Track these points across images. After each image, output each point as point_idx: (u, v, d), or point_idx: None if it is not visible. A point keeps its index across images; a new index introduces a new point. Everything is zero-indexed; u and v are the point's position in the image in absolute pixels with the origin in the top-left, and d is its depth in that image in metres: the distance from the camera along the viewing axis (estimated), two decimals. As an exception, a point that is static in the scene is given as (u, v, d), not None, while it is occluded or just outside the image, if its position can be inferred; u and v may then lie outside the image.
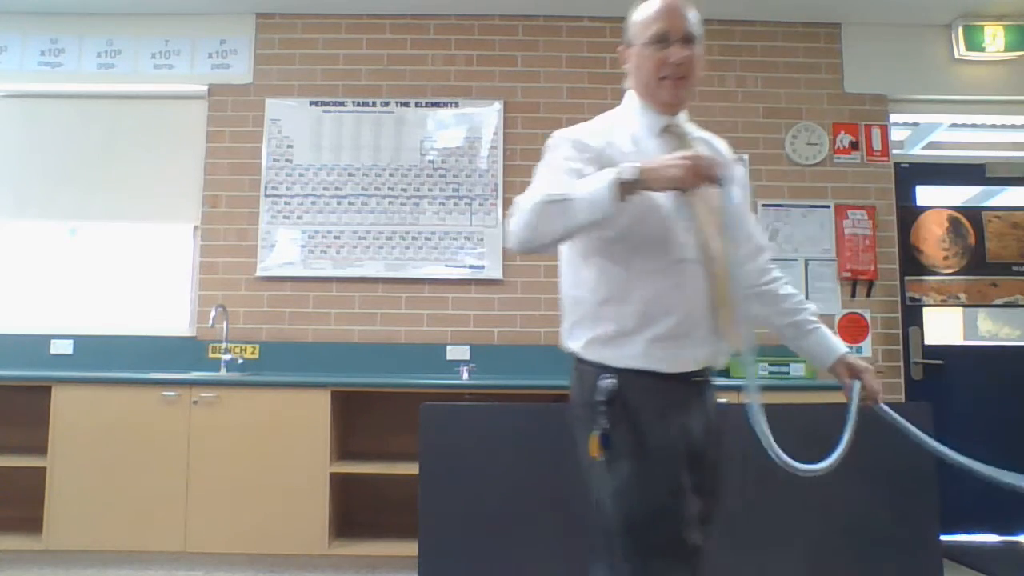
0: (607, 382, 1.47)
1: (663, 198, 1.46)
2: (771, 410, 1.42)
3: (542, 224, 1.39)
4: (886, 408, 1.66)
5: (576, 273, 1.59)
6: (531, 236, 1.41)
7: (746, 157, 4.04)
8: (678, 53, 1.53)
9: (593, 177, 1.39)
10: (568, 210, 1.37)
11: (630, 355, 1.49)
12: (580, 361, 1.56)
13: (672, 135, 1.58)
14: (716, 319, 1.50)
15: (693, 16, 1.57)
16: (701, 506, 1.49)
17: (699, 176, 1.35)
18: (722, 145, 1.71)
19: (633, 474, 1.44)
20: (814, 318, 1.70)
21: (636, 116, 1.61)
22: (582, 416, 1.53)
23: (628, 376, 1.48)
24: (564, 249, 1.61)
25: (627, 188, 1.34)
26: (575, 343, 1.58)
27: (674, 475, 1.44)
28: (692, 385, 1.52)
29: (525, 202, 1.42)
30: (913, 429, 1.63)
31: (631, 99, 1.64)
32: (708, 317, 1.49)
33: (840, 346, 1.68)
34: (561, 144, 1.56)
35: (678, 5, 1.56)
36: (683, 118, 1.63)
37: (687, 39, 1.54)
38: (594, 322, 1.53)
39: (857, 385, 1.64)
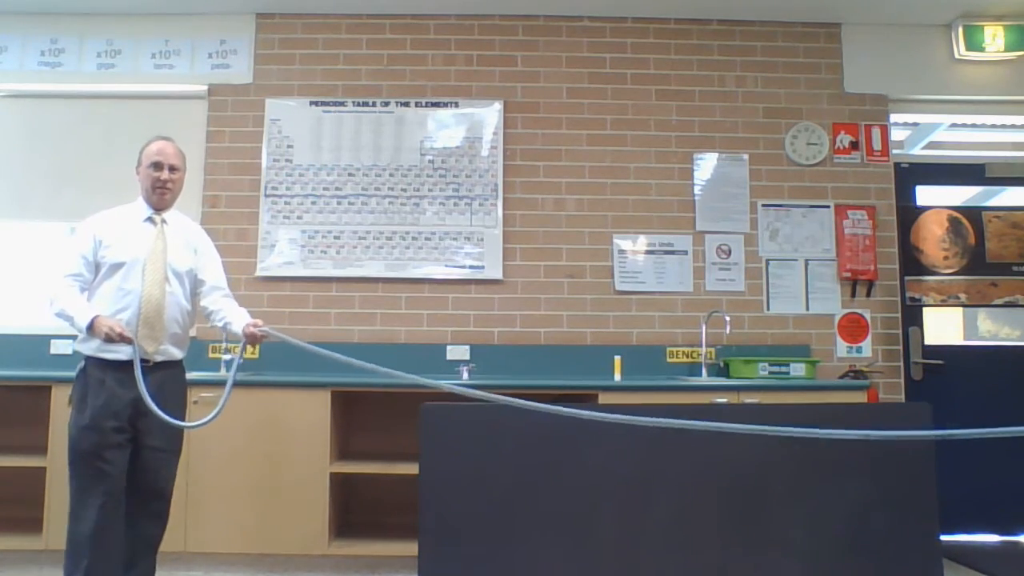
0: (80, 364, 2.46)
1: (133, 272, 2.48)
2: (771, 410, 1.43)
3: (58, 313, 2.40)
4: (267, 329, 2.49)
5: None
6: (55, 311, 2.41)
7: (746, 157, 4.05)
8: (164, 175, 2.57)
9: (82, 309, 2.36)
10: (67, 318, 2.37)
11: (90, 348, 2.43)
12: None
13: (154, 223, 2.58)
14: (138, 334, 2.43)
15: (177, 153, 2.62)
16: (151, 442, 2.45)
17: (111, 339, 2.30)
18: (189, 228, 2.70)
19: (73, 416, 2.42)
20: (230, 319, 2.57)
21: (140, 208, 2.61)
22: None
23: (90, 361, 2.43)
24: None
25: (89, 328, 2.34)
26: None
27: (97, 420, 2.35)
28: (126, 366, 2.35)
29: (56, 283, 2.43)
30: (297, 341, 2.36)
31: (140, 198, 2.63)
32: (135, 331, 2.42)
33: (240, 325, 2.52)
34: (81, 232, 2.53)
35: (168, 147, 2.61)
36: (169, 213, 2.63)
37: (171, 168, 2.59)
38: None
39: (243, 343, 2.52)
